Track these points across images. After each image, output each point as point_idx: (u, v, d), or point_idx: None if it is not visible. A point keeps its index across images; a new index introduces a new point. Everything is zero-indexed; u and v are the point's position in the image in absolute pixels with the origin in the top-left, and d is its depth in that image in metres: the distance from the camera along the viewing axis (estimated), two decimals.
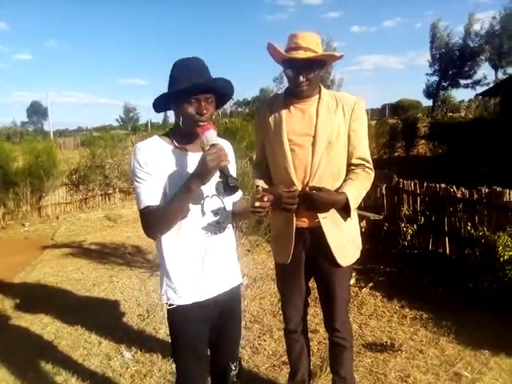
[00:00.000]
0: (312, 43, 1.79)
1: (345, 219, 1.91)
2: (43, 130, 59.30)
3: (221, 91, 1.54)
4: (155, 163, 1.47)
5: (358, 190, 1.88)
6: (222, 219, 1.63)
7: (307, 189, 1.84)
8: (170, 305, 1.58)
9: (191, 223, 1.54)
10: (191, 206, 1.51)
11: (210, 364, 1.76)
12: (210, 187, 1.57)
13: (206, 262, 1.58)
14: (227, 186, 1.41)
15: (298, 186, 1.90)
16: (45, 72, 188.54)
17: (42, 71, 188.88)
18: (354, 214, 2.07)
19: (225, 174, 1.39)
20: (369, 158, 1.97)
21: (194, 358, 1.64)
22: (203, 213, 1.57)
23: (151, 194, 1.47)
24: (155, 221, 1.48)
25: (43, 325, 3.66)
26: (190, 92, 1.44)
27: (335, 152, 1.89)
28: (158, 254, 1.62)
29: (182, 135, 1.54)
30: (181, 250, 1.56)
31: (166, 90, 1.52)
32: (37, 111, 73.85)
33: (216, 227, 1.61)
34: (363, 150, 1.95)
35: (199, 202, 1.56)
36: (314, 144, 1.88)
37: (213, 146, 1.39)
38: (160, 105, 1.56)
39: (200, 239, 1.57)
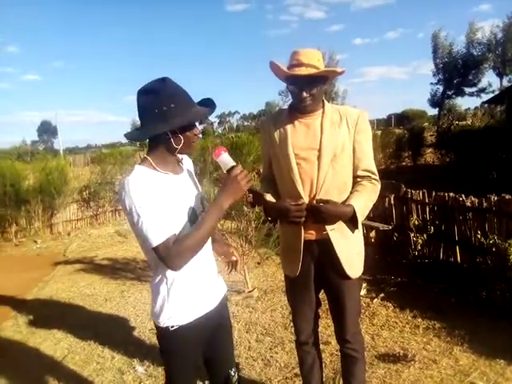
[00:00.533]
0: (313, 59, 1.83)
1: (352, 231, 1.94)
2: (53, 148, 59.96)
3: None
4: (150, 194, 1.41)
5: (364, 201, 1.91)
6: None
7: (314, 202, 1.87)
8: (171, 326, 1.54)
9: None
10: (189, 224, 1.51)
11: (211, 376, 1.75)
12: (199, 205, 1.61)
13: (202, 277, 1.61)
14: (256, 200, 1.70)
15: (305, 199, 1.92)
16: (53, 92, 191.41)
17: (50, 91, 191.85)
18: (360, 225, 2.10)
19: (252, 190, 1.58)
20: (374, 169, 1.98)
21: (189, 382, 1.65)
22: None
23: (161, 227, 1.40)
24: (186, 249, 1.40)
25: (56, 340, 3.70)
26: (197, 120, 1.54)
27: (340, 165, 1.91)
28: (156, 277, 1.57)
29: (162, 158, 1.53)
30: (185, 270, 1.50)
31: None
32: (47, 130, 74.74)
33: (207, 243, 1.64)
34: (368, 162, 1.97)
35: (195, 219, 1.55)
36: (319, 157, 1.90)
37: (234, 167, 1.47)
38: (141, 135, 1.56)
39: (198, 256, 1.55)
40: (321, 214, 1.81)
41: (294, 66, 1.84)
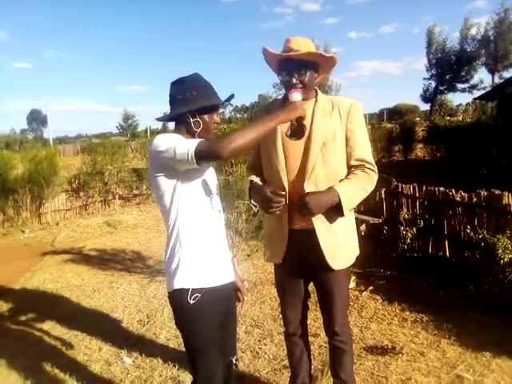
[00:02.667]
0: (303, 46, 1.84)
1: (335, 218, 1.91)
2: (43, 137, 59.27)
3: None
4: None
5: (353, 189, 1.88)
6: (222, 216, 1.82)
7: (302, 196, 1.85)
8: (194, 298, 1.61)
9: (205, 214, 1.70)
10: (205, 199, 1.70)
11: None
12: (215, 187, 1.77)
13: (219, 247, 1.75)
14: (297, 131, 1.79)
15: (292, 188, 1.91)
16: (44, 80, 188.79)
17: (41, 80, 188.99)
18: (352, 217, 2.07)
19: (300, 122, 1.74)
20: (369, 158, 1.95)
21: (217, 355, 1.68)
22: (212, 207, 1.74)
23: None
24: (232, 136, 1.49)
25: (43, 331, 3.65)
26: (215, 108, 1.74)
27: (330, 153, 1.89)
28: (173, 244, 1.66)
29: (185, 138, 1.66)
30: (200, 236, 1.68)
31: (166, 98, 1.75)
32: (36, 119, 73.93)
33: (220, 221, 1.78)
34: (362, 151, 1.94)
35: (210, 196, 1.72)
36: (307, 144, 1.88)
37: (300, 102, 1.70)
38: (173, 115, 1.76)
39: (212, 228, 1.73)
40: (305, 205, 1.80)
41: (284, 52, 1.86)
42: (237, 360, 1.88)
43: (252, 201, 2.03)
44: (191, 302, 1.60)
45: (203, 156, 1.49)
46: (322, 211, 1.85)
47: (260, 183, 2.01)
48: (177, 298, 1.64)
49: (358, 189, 1.90)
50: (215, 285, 1.67)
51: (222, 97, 1.78)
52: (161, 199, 1.66)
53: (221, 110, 1.81)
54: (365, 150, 1.96)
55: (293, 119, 1.69)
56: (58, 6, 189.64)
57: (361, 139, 1.94)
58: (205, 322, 1.64)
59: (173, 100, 1.72)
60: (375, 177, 1.95)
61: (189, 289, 1.61)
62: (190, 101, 1.66)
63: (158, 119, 1.86)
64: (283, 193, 1.87)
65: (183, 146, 1.52)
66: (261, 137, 1.56)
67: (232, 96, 1.80)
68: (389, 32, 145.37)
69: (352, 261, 2.07)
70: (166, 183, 1.62)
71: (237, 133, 1.51)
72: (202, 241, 1.68)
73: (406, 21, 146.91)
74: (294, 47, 1.83)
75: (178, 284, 1.62)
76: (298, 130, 1.78)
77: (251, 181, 2.05)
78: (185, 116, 1.68)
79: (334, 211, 1.87)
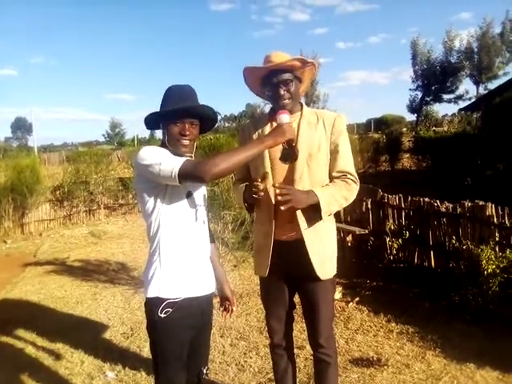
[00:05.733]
0: (283, 58, 1.88)
1: (317, 220, 1.91)
2: (27, 145, 58.55)
3: (204, 117, 1.76)
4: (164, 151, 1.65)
5: (331, 192, 1.90)
6: (206, 227, 1.83)
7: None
8: (166, 312, 1.61)
9: (188, 226, 1.71)
10: (188, 210, 1.70)
11: None
12: (201, 198, 1.79)
13: (199, 259, 1.75)
14: (289, 155, 1.80)
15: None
16: (30, 88, 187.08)
17: (27, 87, 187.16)
18: (333, 227, 2.08)
19: (291, 145, 1.75)
20: (351, 170, 1.98)
21: (180, 368, 1.69)
22: (196, 218, 1.74)
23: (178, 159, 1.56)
24: (219, 158, 1.50)
25: (24, 344, 3.56)
26: (177, 115, 1.66)
27: (316, 164, 1.93)
28: (153, 253, 1.68)
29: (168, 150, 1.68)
30: (179, 247, 1.68)
31: (154, 106, 1.74)
32: (21, 127, 73.13)
33: (203, 233, 1.79)
34: (344, 163, 1.97)
35: (194, 208, 1.73)
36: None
37: (288, 123, 1.70)
38: (151, 123, 1.76)
39: (194, 240, 1.73)
40: (288, 191, 1.79)
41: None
42: (207, 369, 1.91)
43: (244, 203, 2.05)
44: (162, 315, 1.62)
45: (186, 177, 1.52)
46: (299, 205, 1.83)
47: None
48: (149, 309, 1.67)
49: (336, 194, 1.92)
50: (189, 296, 1.67)
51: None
52: (144, 209, 1.68)
53: (189, 122, 1.70)
54: (347, 161, 1.98)
55: (280, 144, 1.69)
56: (46, 13, 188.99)
57: (344, 152, 1.97)
58: (172, 336, 1.66)
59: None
60: (356, 187, 1.97)
61: (162, 299, 1.63)
62: (161, 105, 1.70)
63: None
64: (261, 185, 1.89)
65: (168, 164, 1.53)
66: (245, 161, 1.58)
67: (204, 106, 1.74)
68: (376, 42, 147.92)
69: (335, 271, 2.07)
70: (149, 194, 1.64)
71: (222, 156, 1.51)
72: (181, 252, 1.68)
73: (394, 31, 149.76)
74: (275, 60, 1.87)
75: (151, 293, 1.65)
76: (289, 154, 1.80)
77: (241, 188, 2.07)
78: (163, 129, 1.71)
79: (313, 212, 1.88)
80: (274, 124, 1.97)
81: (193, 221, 1.73)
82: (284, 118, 1.73)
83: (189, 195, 1.71)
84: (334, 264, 2.07)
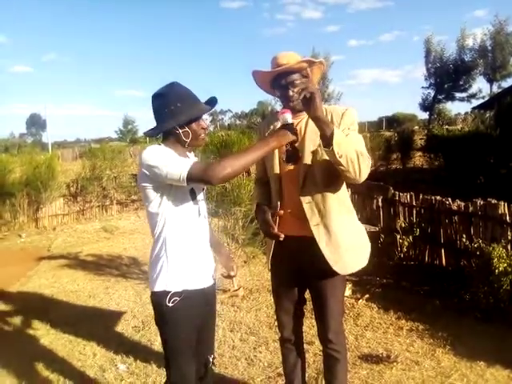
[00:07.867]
0: (291, 59, 1.88)
1: (327, 154, 1.78)
2: (41, 141, 59.26)
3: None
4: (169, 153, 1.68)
5: (349, 140, 1.76)
6: (207, 221, 1.90)
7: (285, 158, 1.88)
8: (173, 301, 1.68)
9: (191, 221, 1.77)
10: (192, 206, 1.76)
11: None
12: (202, 194, 1.84)
13: (202, 252, 1.82)
14: (292, 156, 1.81)
15: (290, 192, 1.99)
16: (44, 84, 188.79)
17: (41, 83, 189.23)
18: (352, 220, 2.08)
19: (293, 146, 1.77)
20: (363, 150, 1.82)
21: (190, 357, 1.75)
22: (199, 213, 1.81)
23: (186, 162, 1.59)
24: (227, 162, 1.54)
25: (38, 337, 3.64)
26: (200, 115, 1.76)
27: (325, 160, 1.86)
28: (155, 247, 1.74)
29: (174, 150, 1.71)
30: (184, 243, 1.74)
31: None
32: (36, 123, 74.06)
33: (205, 227, 1.87)
34: (356, 142, 1.83)
35: (197, 204, 1.79)
36: (301, 148, 1.90)
37: (291, 124, 1.70)
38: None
39: (197, 234, 1.80)
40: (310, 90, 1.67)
41: (274, 69, 1.91)
42: (214, 358, 1.97)
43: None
44: (170, 304, 1.68)
45: (194, 180, 1.57)
46: (316, 111, 1.69)
47: (264, 205, 2.07)
48: (157, 300, 1.73)
49: (351, 143, 1.76)
50: (195, 288, 1.74)
51: (203, 99, 1.81)
52: (149, 206, 1.72)
53: (205, 117, 1.83)
54: (358, 142, 1.86)
55: (284, 145, 1.71)
56: (58, 10, 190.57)
57: (353, 134, 1.88)
58: (181, 324, 1.72)
59: (158, 114, 1.74)
60: (369, 160, 1.83)
61: (169, 292, 1.68)
62: (176, 113, 1.69)
63: (146, 134, 1.87)
64: (281, 212, 1.99)
65: (176, 167, 1.56)
66: (252, 163, 1.64)
67: (213, 99, 1.82)
68: (389, 40, 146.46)
69: (361, 265, 2.09)
70: (154, 192, 1.68)
71: (229, 159, 1.55)
72: (187, 247, 1.75)
73: (407, 29, 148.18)
74: (283, 62, 1.87)
75: (158, 287, 1.71)
76: (293, 155, 1.82)
77: (257, 204, 2.13)
78: (173, 128, 1.71)
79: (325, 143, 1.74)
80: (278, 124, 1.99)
81: (196, 216, 1.79)
82: (287, 116, 1.73)
83: (192, 192, 1.76)
84: (355, 258, 2.05)
